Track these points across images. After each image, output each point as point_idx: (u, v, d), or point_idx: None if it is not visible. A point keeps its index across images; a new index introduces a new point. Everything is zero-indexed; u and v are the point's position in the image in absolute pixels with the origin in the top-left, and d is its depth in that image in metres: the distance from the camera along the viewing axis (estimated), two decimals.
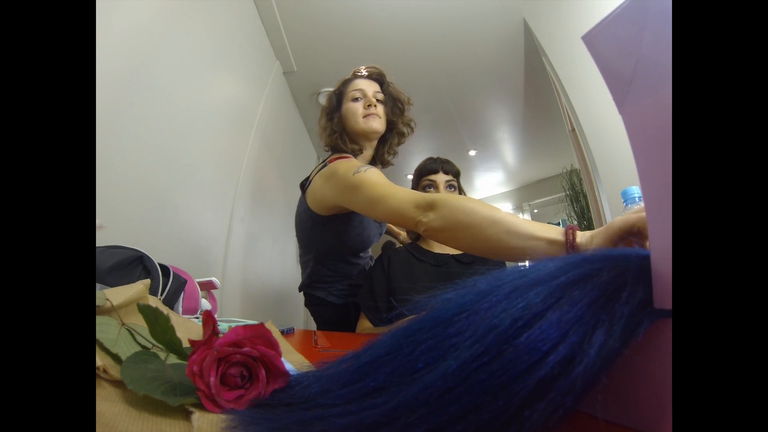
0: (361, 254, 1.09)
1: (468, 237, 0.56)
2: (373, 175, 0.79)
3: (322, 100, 2.36)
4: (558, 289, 0.23)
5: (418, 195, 0.67)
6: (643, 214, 0.39)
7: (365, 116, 0.96)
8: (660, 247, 0.22)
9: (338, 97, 1.04)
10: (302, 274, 1.13)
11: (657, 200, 0.22)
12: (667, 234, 0.20)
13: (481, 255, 0.61)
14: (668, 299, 0.21)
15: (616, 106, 0.24)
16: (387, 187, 0.75)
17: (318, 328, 1.09)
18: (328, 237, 0.98)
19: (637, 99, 0.23)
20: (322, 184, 0.90)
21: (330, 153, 1.01)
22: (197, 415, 0.23)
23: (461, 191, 1.13)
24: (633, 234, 0.40)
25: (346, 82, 1.04)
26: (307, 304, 1.14)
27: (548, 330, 0.21)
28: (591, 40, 0.25)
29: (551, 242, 0.48)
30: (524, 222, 0.51)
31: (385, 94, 1.02)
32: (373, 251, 1.18)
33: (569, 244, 0.46)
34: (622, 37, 0.24)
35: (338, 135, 0.98)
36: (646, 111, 0.22)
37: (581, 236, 0.47)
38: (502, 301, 0.24)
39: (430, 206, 0.62)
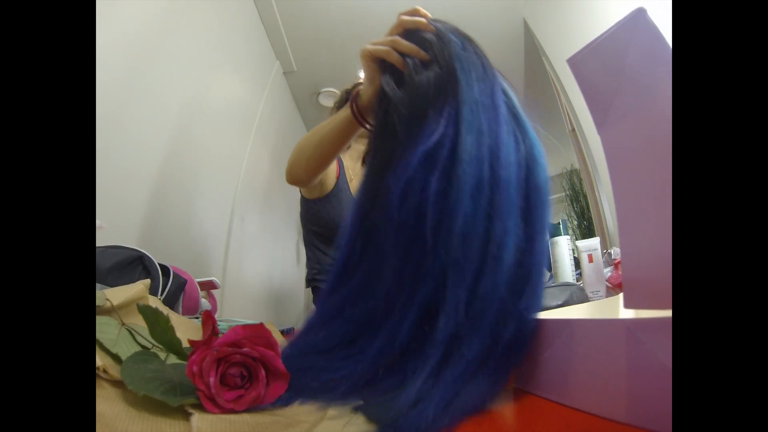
0: None
1: (302, 158, 0.67)
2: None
3: (322, 100, 2.37)
4: None
5: None
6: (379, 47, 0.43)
7: None
8: (630, 255, 0.24)
9: (347, 94, 1.16)
10: (307, 269, 1.16)
11: (629, 213, 0.24)
12: (640, 245, 0.23)
13: (319, 162, 0.68)
14: (639, 302, 0.23)
15: (595, 126, 0.26)
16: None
17: None
18: (315, 217, 1.07)
19: (616, 121, 0.24)
20: None
21: None
22: (197, 417, 0.23)
23: None
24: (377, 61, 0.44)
25: (357, 84, 1.17)
26: (315, 302, 1.17)
27: None
28: (576, 63, 0.27)
29: (344, 111, 0.55)
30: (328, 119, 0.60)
31: None
32: None
33: (352, 100, 0.51)
34: (606, 62, 0.25)
35: None
36: (623, 132, 0.24)
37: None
38: None
39: None
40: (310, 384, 0.29)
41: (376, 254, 0.33)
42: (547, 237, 0.34)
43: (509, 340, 0.28)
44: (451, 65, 0.35)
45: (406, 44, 0.40)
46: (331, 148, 0.61)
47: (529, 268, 0.30)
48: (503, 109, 0.33)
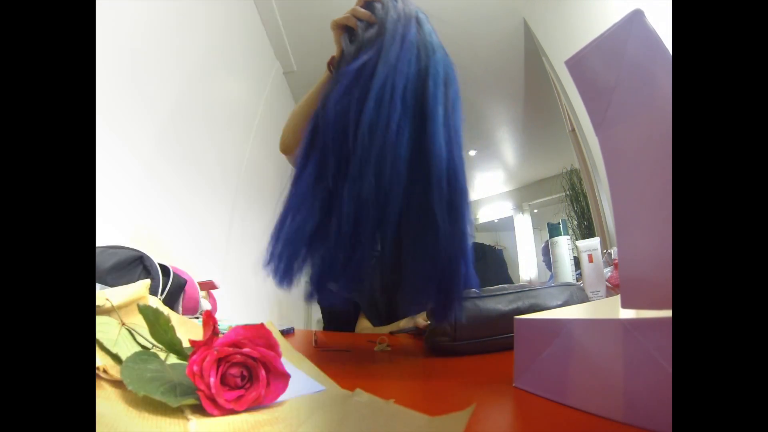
0: None
1: (291, 123, 0.72)
2: None
3: None
4: None
5: None
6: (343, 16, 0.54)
7: None
8: (627, 255, 0.24)
9: None
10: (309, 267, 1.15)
11: (627, 214, 0.24)
12: (637, 245, 0.23)
13: (304, 123, 0.73)
14: (636, 302, 0.23)
15: (593, 127, 0.26)
16: None
17: (325, 327, 1.09)
18: None
19: (613, 122, 0.25)
20: None
21: None
22: (195, 422, 0.23)
23: None
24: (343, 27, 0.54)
25: None
26: (318, 302, 1.16)
27: None
28: (573, 64, 0.27)
29: (324, 73, 0.63)
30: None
31: None
32: None
33: (330, 62, 0.60)
34: (603, 64, 0.25)
35: None
36: (620, 133, 0.24)
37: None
38: None
39: None
40: (319, 278, 0.45)
41: (323, 146, 0.45)
42: (447, 140, 0.42)
43: (417, 218, 0.41)
44: (384, 19, 0.47)
45: (361, 11, 0.51)
46: (313, 107, 0.66)
47: (425, 162, 0.41)
48: (411, 36, 0.45)
